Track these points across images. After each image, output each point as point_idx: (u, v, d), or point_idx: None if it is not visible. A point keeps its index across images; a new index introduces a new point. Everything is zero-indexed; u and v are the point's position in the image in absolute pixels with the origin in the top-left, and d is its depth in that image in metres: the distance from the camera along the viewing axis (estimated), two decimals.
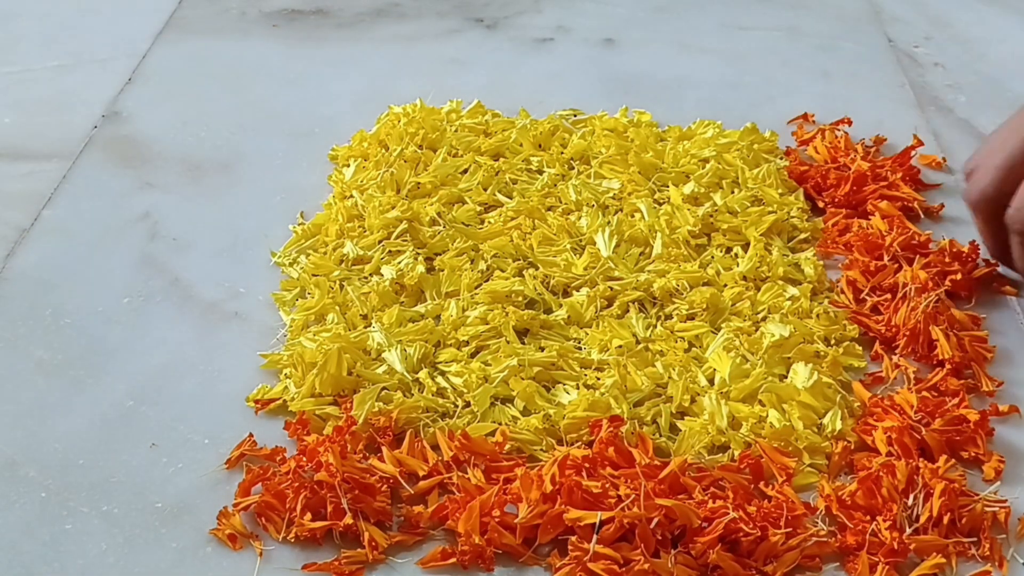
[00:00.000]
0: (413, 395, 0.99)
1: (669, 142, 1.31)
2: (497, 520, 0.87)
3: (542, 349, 1.04)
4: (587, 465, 0.91)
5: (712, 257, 1.15)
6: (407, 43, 1.55)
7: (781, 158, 1.30)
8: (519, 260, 1.14)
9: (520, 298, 1.09)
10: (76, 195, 1.24)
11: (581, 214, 1.19)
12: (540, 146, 1.31)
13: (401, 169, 1.24)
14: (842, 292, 1.11)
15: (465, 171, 1.26)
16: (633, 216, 1.20)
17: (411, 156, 1.27)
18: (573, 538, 0.86)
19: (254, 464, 0.92)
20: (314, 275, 1.11)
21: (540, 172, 1.26)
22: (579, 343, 1.06)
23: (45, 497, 0.90)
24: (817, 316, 1.08)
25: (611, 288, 1.10)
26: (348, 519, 0.87)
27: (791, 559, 0.86)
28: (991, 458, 0.95)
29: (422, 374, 1.01)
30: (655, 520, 0.86)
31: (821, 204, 1.24)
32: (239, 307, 1.09)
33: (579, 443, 0.95)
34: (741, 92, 1.46)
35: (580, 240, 1.16)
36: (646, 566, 0.85)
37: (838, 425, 0.97)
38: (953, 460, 0.94)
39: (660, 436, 0.96)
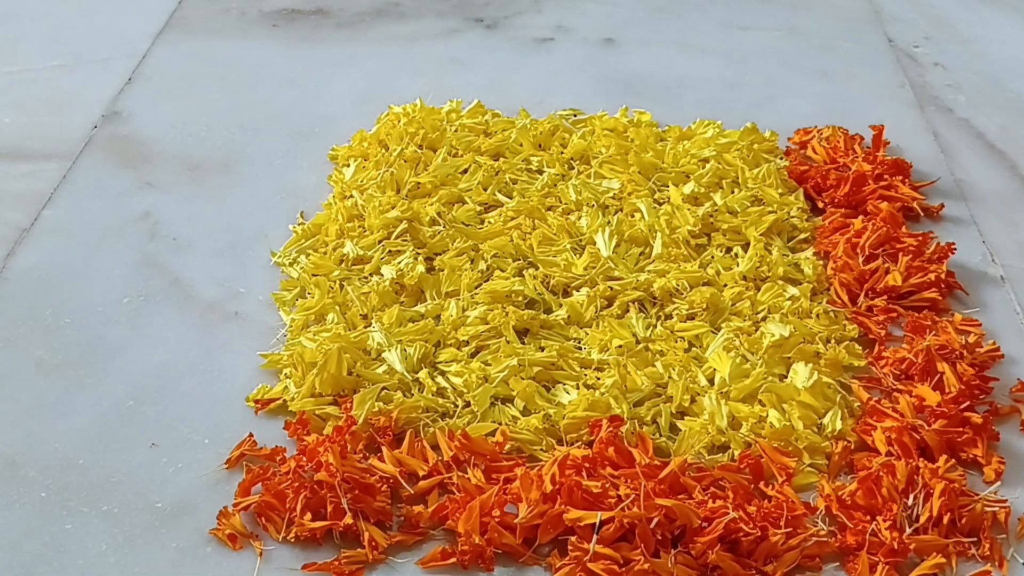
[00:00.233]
0: (413, 395, 0.99)
1: (669, 142, 1.31)
2: (497, 520, 0.87)
3: (542, 349, 1.04)
4: (587, 465, 0.91)
5: (712, 257, 1.15)
6: (407, 43, 1.55)
7: (781, 158, 1.30)
8: (519, 260, 1.14)
9: (520, 298, 1.09)
10: (76, 195, 1.24)
11: (581, 214, 1.19)
12: (540, 146, 1.31)
13: (401, 169, 1.24)
14: (837, 295, 1.12)
15: (465, 171, 1.26)
16: (633, 216, 1.20)
17: (411, 156, 1.27)
18: (573, 538, 0.86)
19: (254, 464, 0.93)
20: (314, 275, 1.12)
21: (540, 172, 1.26)
22: (579, 343, 1.06)
23: (45, 497, 0.90)
24: (817, 316, 1.08)
25: (611, 288, 1.10)
26: (348, 519, 0.87)
27: (791, 559, 0.87)
28: (991, 460, 0.95)
29: (422, 374, 1.01)
30: (655, 520, 0.86)
31: (821, 204, 1.24)
32: (239, 307, 1.09)
33: (579, 443, 0.95)
34: (741, 92, 1.46)
35: (580, 240, 1.16)
36: (646, 566, 0.85)
37: (838, 425, 0.97)
38: (953, 460, 0.94)
39: (660, 436, 0.96)
